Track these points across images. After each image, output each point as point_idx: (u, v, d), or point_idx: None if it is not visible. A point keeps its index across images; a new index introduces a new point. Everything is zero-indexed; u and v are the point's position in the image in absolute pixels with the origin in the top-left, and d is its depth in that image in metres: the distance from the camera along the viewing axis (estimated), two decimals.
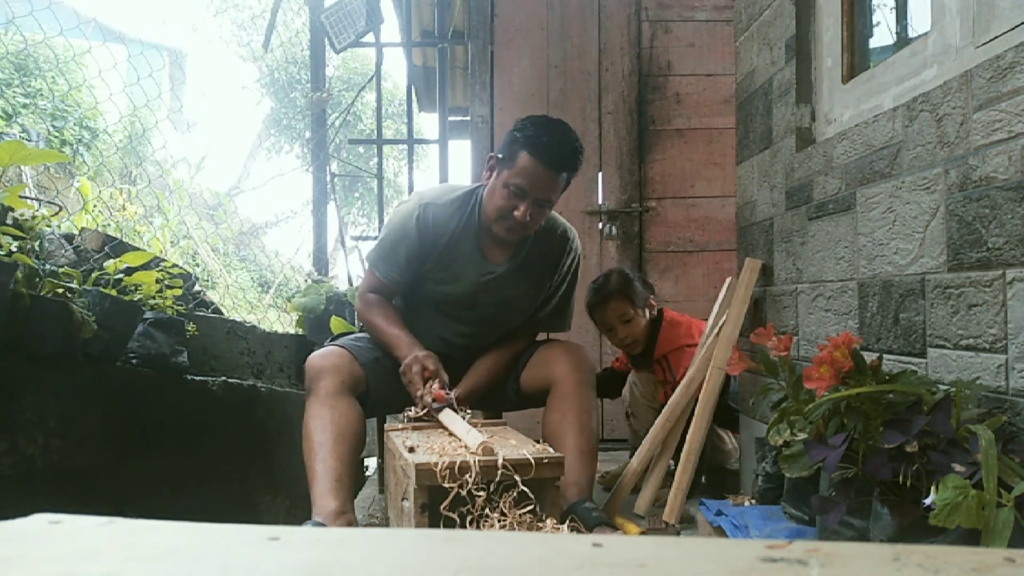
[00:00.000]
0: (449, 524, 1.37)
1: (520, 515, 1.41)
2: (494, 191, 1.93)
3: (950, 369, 1.29)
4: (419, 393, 1.81)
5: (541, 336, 2.23)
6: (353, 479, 1.75)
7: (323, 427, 1.73)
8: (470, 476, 1.38)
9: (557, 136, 1.88)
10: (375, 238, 4.07)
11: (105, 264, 2.14)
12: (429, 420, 1.80)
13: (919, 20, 1.61)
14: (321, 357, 1.87)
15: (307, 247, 4.83)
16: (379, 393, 1.94)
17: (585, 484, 1.80)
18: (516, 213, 1.89)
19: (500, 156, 1.94)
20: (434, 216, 1.98)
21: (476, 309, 2.05)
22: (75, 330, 1.77)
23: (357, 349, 1.94)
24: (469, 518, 1.39)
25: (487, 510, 1.39)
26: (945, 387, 1.25)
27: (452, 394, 1.82)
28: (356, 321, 3.38)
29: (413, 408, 1.84)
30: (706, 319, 2.20)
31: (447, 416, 1.74)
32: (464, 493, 1.38)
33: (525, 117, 1.95)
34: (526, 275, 2.06)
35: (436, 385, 1.81)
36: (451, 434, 1.66)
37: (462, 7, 3.84)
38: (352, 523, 1.65)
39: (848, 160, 1.63)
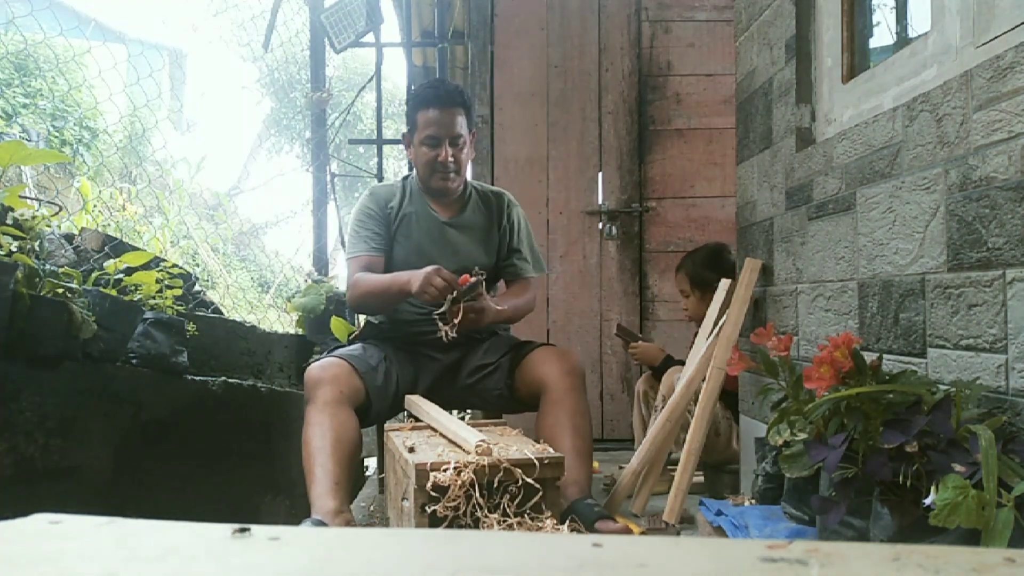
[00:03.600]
0: (449, 524, 1.37)
1: (520, 515, 1.41)
2: (417, 155, 2.15)
3: (950, 369, 1.29)
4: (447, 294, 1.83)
5: (534, 334, 2.26)
6: (350, 484, 1.76)
7: (322, 434, 1.75)
8: (470, 476, 1.39)
9: (434, 83, 2.28)
10: None
11: (105, 264, 2.14)
12: (421, 424, 1.78)
13: (919, 20, 1.61)
14: (320, 368, 1.89)
15: (307, 247, 4.82)
16: (380, 402, 1.96)
17: (584, 483, 1.82)
18: (440, 158, 2.10)
19: (407, 129, 2.20)
20: (383, 192, 2.22)
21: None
22: (75, 330, 1.77)
23: (357, 360, 1.95)
24: (469, 518, 1.39)
25: (487, 510, 1.39)
26: (945, 387, 1.25)
27: (477, 275, 1.85)
28: (355, 321, 3.39)
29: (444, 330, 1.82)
30: None
31: (446, 417, 1.74)
32: (464, 493, 1.38)
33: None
34: (475, 232, 2.21)
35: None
36: (442, 435, 1.66)
37: (462, 7, 3.84)
38: (350, 522, 1.66)
39: (848, 160, 1.63)
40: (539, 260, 2.33)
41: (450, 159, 2.09)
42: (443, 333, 1.81)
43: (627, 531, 1.72)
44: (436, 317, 1.83)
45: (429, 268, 1.87)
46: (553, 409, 1.92)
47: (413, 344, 2.11)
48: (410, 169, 2.36)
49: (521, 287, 2.26)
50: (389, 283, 2.01)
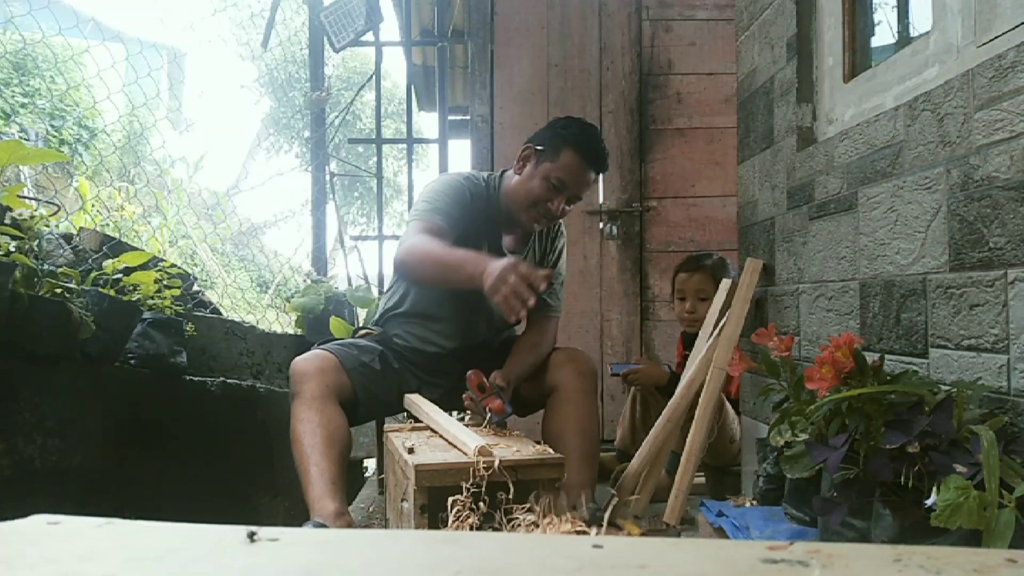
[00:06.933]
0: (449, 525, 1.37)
1: (520, 516, 1.41)
2: (530, 180, 1.99)
3: (952, 369, 1.29)
4: (471, 402, 1.77)
5: None
6: (345, 482, 1.75)
7: (312, 430, 1.73)
8: (469, 477, 1.38)
9: (598, 140, 2.04)
10: (375, 238, 4.08)
11: (103, 264, 2.13)
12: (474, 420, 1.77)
13: (920, 19, 1.60)
14: (305, 361, 1.85)
15: (306, 247, 4.82)
16: (368, 399, 1.92)
17: (588, 485, 1.82)
18: (551, 205, 1.97)
19: (540, 148, 2.00)
20: (476, 189, 2.03)
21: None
22: (73, 330, 1.77)
23: (343, 354, 1.91)
24: (469, 519, 1.38)
25: (486, 512, 1.39)
26: (947, 387, 1.25)
27: (508, 408, 1.77)
28: (355, 321, 3.38)
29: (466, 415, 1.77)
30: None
31: (444, 419, 1.73)
32: (462, 495, 1.38)
33: (564, 117, 2.09)
34: (534, 263, 2.13)
35: (493, 400, 1.77)
36: (441, 436, 1.65)
37: (462, 6, 3.84)
38: (351, 524, 1.66)
39: (850, 160, 1.63)
40: (562, 296, 2.26)
41: (559, 211, 1.98)
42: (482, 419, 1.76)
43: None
44: (467, 406, 1.81)
45: (507, 262, 1.59)
46: (562, 408, 1.91)
47: (418, 363, 2.07)
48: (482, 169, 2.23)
49: (542, 327, 2.12)
50: (459, 262, 1.71)
